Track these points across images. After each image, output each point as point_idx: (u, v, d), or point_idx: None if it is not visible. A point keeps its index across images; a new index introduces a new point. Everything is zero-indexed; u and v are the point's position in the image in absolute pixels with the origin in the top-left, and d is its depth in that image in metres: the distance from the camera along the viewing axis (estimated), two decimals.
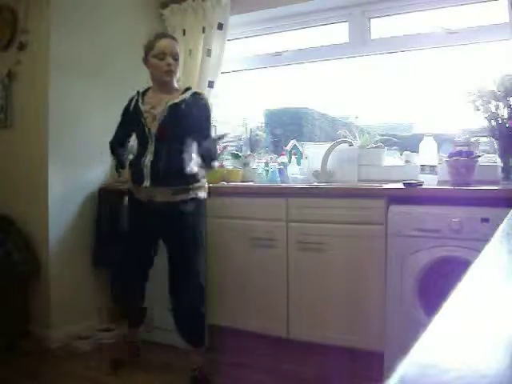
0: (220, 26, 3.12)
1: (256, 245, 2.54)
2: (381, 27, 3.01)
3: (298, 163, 3.00)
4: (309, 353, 2.43)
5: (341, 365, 2.31)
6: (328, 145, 2.91)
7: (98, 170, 3.05)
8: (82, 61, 2.93)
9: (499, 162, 2.35)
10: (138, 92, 2.38)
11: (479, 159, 2.32)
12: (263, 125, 3.61)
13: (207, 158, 2.31)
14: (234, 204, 2.64)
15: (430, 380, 0.30)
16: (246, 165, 3.20)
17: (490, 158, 2.53)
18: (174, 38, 2.40)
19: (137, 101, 2.34)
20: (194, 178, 2.27)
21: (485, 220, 1.95)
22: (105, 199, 2.99)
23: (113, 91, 3.14)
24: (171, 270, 2.32)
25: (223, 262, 2.67)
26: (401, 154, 2.91)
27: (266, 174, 2.91)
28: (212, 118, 2.37)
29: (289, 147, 3.04)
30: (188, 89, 2.35)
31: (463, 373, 0.31)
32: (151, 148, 2.23)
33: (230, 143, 3.44)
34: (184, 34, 3.25)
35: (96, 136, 3.01)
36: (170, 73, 2.28)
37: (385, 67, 3.05)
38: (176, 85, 2.36)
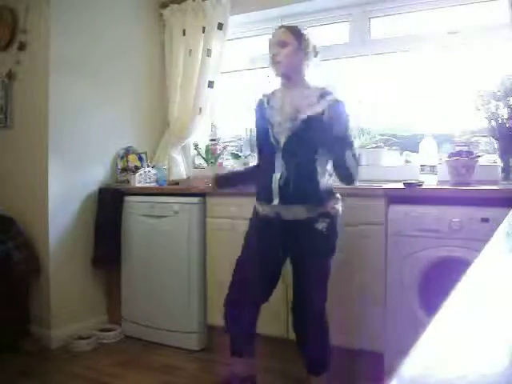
0: (220, 26, 3.12)
1: None
2: (381, 27, 3.01)
3: None
4: None
5: (341, 365, 2.31)
6: None
7: (98, 170, 3.05)
8: (81, 61, 2.93)
9: (499, 162, 2.35)
10: (262, 97, 2.10)
11: (479, 159, 2.32)
12: None
13: (347, 176, 1.95)
14: (234, 204, 2.64)
15: (431, 380, 0.30)
16: (245, 165, 3.20)
17: (489, 158, 2.53)
18: (287, 27, 2.04)
19: (261, 105, 2.06)
20: (328, 193, 1.96)
21: (485, 220, 1.95)
22: (105, 199, 2.99)
23: (113, 91, 3.14)
24: (294, 290, 2.03)
25: (223, 262, 2.67)
26: (401, 154, 2.91)
27: None
28: (350, 125, 1.96)
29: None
30: (325, 92, 1.95)
31: (463, 372, 0.31)
32: (280, 161, 1.92)
33: (230, 143, 3.44)
34: (184, 34, 3.25)
35: (96, 136, 3.02)
36: (277, 64, 1.97)
37: (385, 67, 3.04)
38: (307, 82, 2.01)
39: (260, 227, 2.03)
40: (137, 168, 3.08)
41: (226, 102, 3.53)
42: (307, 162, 1.91)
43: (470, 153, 2.29)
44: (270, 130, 1.96)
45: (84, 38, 2.94)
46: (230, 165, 3.24)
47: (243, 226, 2.59)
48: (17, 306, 2.72)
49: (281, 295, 2.49)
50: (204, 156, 3.20)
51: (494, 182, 2.29)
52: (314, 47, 2.05)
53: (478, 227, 1.96)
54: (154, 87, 3.42)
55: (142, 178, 3.06)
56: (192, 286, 2.72)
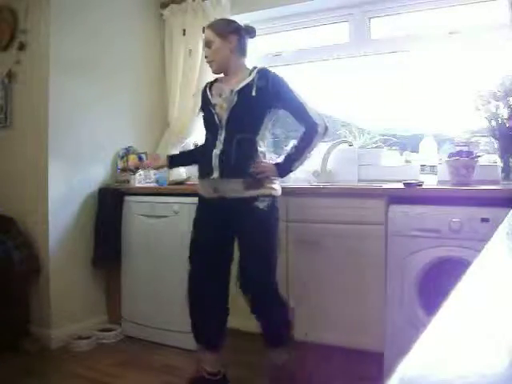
0: None
1: None
2: (381, 27, 3.01)
3: None
4: (309, 353, 2.43)
5: (341, 365, 2.31)
6: (328, 145, 2.91)
7: (98, 169, 3.05)
8: (82, 61, 2.93)
9: (499, 162, 2.35)
10: (206, 84, 2.24)
11: (479, 159, 2.32)
12: None
13: (312, 125, 2.06)
14: None
15: (430, 380, 0.30)
16: None
17: (489, 158, 2.53)
18: (209, 26, 2.16)
19: (205, 91, 2.20)
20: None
21: (485, 220, 1.95)
22: (105, 199, 2.99)
23: (113, 91, 3.14)
24: (240, 268, 2.07)
25: None
26: (401, 154, 2.91)
27: None
28: (293, 90, 2.07)
29: (289, 147, 3.04)
30: (254, 67, 2.12)
31: (463, 372, 0.31)
32: (221, 138, 2.03)
33: None
34: (184, 34, 3.25)
35: (96, 136, 3.02)
36: (209, 64, 2.13)
37: (385, 67, 3.05)
38: (242, 68, 2.13)
39: (206, 210, 2.16)
40: (137, 168, 3.07)
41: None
42: (247, 139, 2.03)
43: (470, 153, 2.29)
44: (213, 112, 2.09)
45: (84, 39, 2.94)
46: None
47: None
48: (17, 306, 2.71)
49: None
50: None
51: (494, 182, 2.29)
52: (249, 30, 2.19)
53: (478, 227, 1.96)
54: (154, 87, 3.41)
55: (142, 178, 3.06)
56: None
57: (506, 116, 2.30)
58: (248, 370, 2.42)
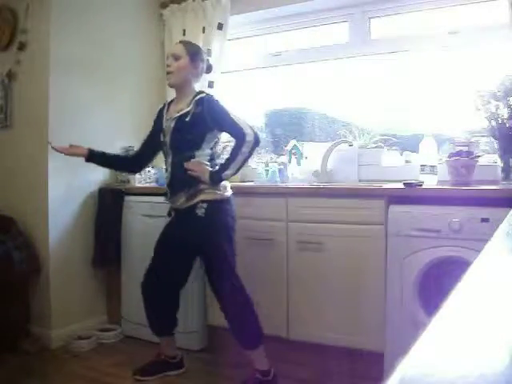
0: (220, 26, 3.12)
1: (256, 245, 2.54)
2: (381, 27, 3.01)
3: (298, 163, 3.00)
4: (309, 353, 2.43)
5: (341, 365, 2.31)
6: (328, 145, 2.91)
7: (98, 170, 3.04)
8: (82, 61, 2.93)
9: (499, 162, 2.35)
10: (164, 103, 2.38)
11: (479, 159, 2.32)
12: (263, 125, 3.61)
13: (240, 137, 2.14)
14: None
15: (430, 380, 0.30)
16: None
17: (489, 158, 2.53)
18: (184, 42, 2.32)
19: (161, 111, 2.34)
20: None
21: (485, 220, 1.95)
22: (105, 199, 2.99)
23: (113, 91, 3.14)
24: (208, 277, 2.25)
25: None
26: (401, 154, 2.91)
27: (266, 174, 2.91)
28: (224, 110, 2.20)
29: (289, 147, 3.04)
30: (196, 94, 2.23)
31: (463, 372, 0.31)
32: (169, 160, 2.22)
33: (230, 143, 3.44)
34: (184, 33, 3.25)
35: (96, 136, 3.01)
36: (169, 75, 2.24)
37: (385, 67, 3.05)
38: (190, 89, 2.26)
39: (169, 220, 2.35)
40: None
41: (226, 102, 3.53)
42: (187, 157, 2.17)
43: (470, 153, 2.29)
44: (161, 134, 2.26)
45: (84, 38, 2.94)
46: None
47: (243, 225, 2.59)
48: (17, 306, 2.71)
49: (281, 295, 2.50)
50: None
51: (494, 182, 2.29)
52: (209, 66, 2.40)
53: (478, 227, 1.96)
54: (154, 87, 3.41)
55: (142, 178, 3.06)
56: (192, 286, 2.72)
57: (506, 116, 2.30)
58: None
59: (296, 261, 2.45)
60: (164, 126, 2.26)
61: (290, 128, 3.56)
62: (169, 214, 2.33)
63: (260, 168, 3.01)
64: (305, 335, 2.43)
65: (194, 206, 2.16)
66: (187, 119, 2.16)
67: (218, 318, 2.69)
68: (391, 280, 2.18)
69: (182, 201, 2.19)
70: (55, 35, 2.78)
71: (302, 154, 3.02)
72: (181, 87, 2.25)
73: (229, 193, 2.24)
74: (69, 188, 2.87)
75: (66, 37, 2.83)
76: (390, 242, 2.19)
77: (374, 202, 2.27)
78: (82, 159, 2.41)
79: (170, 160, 2.22)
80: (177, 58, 2.23)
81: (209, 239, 2.17)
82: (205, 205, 2.15)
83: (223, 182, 2.20)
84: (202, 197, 2.16)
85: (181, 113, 2.19)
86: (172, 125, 2.20)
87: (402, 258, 2.14)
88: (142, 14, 3.35)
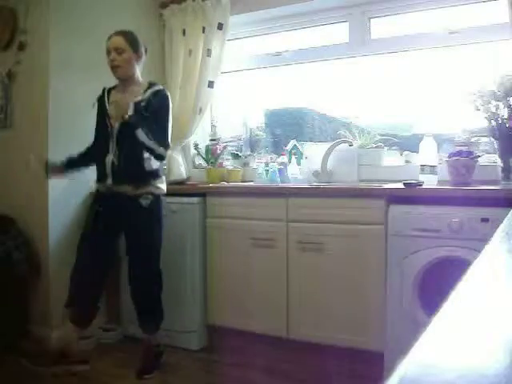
0: (220, 26, 3.11)
1: (256, 245, 2.55)
2: (381, 27, 3.01)
3: (298, 163, 3.00)
4: (309, 353, 2.43)
5: (341, 365, 2.31)
6: (328, 145, 2.91)
7: None
8: (81, 61, 2.92)
9: (499, 162, 2.35)
10: (103, 89, 2.46)
11: (479, 159, 2.32)
12: (263, 125, 3.61)
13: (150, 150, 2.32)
14: (234, 204, 2.64)
15: (430, 380, 0.30)
16: (245, 165, 3.20)
17: (489, 158, 2.53)
18: (122, 34, 2.38)
19: (102, 98, 2.42)
20: (152, 174, 2.36)
21: (485, 220, 1.95)
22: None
23: None
24: (128, 259, 2.41)
25: (223, 262, 2.68)
26: (401, 154, 2.91)
27: (266, 174, 2.91)
28: (168, 113, 2.40)
29: (289, 147, 3.05)
30: (152, 84, 2.40)
31: (463, 372, 0.31)
32: (113, 146, 2.31)
33: (230, 143, 3.44)
34: (184, 33, 3.25)
35: None
36: (115, 68, 2.34)
37: (385, 67, 3.05)
38: (138, 79, 2.42)
39: (99, 204, 2.43)
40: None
41: (225, 102, 3.53)
42: (135, 148, 2.27)
43: (470, 153, 2.29)
44: (107, 120, 2.34)
45: (84, 38, 2.94)
46: (230, 165, 3.25)
47: (243, 226, 2.60)
48: (17, 306, 2.71)
49: (281, 295, 2.50)
50: (204, 156, 3.20)
51: (494, 182, 2.29)
52: (145, 49, 2.46)
53: (478, 227, 1.96)
54: None
55: None
56: (192, 286, 2.72)
57: (506, 116, 2.30)
58: (256, 371, 2.41)
59: (296, 261, 2.45)
60: (109, 112, 2.34)
61: (289, 128, 3.56)
62: (98, 198, 2.43)
63: (260, 168, 3.01)
64: (305, 335, 2.43)
65: (140, 196, 2.32)
66: (143, 105, 2.30)
67: (218, 318, 2.69)
68: (391, 280, 2.18)
69: (128, 189, 2.32)
70: (55, 35, 2.78)
71: (301, 153, 3.02)
72: (129, 76, 2.38)
73: (165, 189, 2.46)
74: (69, 188, 2.87)
75: (65, 37, 2.83)
76: (390, 241, 2.19)
77: (373, 201, 2.27)
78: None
79: (113, 145, 2.31)
80: (119, 51, 2.34)
81: (147, 227, 2.36)
82: (150, 196, 2.34)
83: (162, 179, 2.42)
84: (149, 189, 2.34)
85: (136, 99, 2.30)
86: (129, 112, 2.24)
87: (401, 258, 2.14)
88: (142, 14, 3.34)
